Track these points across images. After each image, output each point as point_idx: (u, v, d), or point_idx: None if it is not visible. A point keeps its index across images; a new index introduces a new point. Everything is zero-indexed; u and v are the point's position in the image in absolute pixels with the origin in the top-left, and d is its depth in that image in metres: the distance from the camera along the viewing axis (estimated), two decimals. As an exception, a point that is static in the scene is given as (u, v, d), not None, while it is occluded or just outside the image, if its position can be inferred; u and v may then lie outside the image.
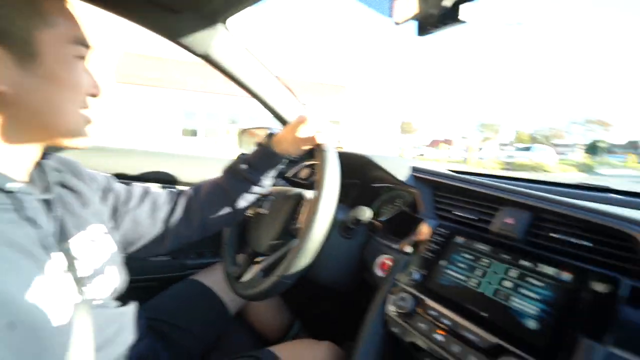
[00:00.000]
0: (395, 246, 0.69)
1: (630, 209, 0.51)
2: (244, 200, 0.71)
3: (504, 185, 0.62)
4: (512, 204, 0.57)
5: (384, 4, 0.43)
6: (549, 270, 0.45)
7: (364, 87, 14.23)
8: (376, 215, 0.87)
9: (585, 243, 0.47)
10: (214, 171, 0.82)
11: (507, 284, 0.48)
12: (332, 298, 1.10)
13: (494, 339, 0.44)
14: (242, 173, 0.69)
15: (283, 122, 1.01)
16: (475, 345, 0.45)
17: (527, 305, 0.44)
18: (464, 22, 0.39)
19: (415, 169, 0.79)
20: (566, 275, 0.43)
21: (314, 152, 0.65)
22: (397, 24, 0.42)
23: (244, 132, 1.23)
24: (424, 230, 0.65)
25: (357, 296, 0.80)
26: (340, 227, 0.72)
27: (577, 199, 0.71)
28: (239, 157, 0.71)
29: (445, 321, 0.50)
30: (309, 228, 0.55)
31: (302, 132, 0.64)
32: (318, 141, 0.64)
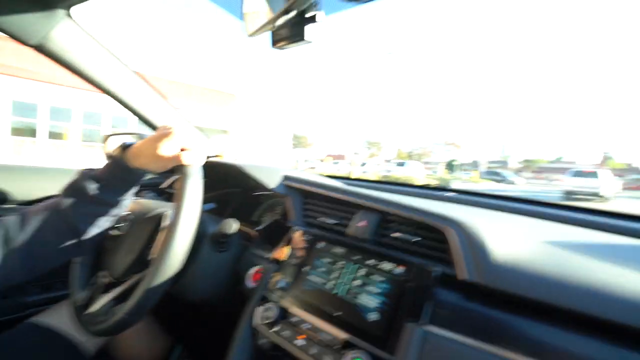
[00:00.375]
0: (267, 256, 0.69)
1: (445, 203, 0.63)
2: (95, 227, 0.56)
3: (361, 191, 0.69)
4: (365, 207, 0.64)
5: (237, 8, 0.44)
6: (389, 266, 0.52)
7: (255, 97, 14.27)
8: (256, 224, 0.86)
9: (415, 239, 0.56)
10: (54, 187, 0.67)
11: (357, 282, 0.52)
12: (211, 316, 1.03)
13: (344, 336, 0.47)
14: (87, 193, 0.54)
15: (151, 126, 0.91)
16: (329, 345, 0.48)
17: (371, 300, 0.49)
18: (310, 41, 0.43)
19: (286, 177, 0.81)
20: (400, 269, 0.51)
21: (176, 171, 0.57)
22: (249, 35, 0.43)
23: (108, 138, 1.06)
24: (293, 237, 0.67)
25: (235, 310, 0.77)
26: (212, 241, 0.68)
27: (424, 197, 0.86)
28: (82, 173, 0.56)
29: (306, 326, 0.51)
30: (159, 262, 0.50)
31: (164, 149, 0.55)
32: (182, 161, 0.56)
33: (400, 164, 23.73)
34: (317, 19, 0.41)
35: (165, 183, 1.08)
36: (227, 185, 1.07)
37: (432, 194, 0.99)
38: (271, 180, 0.80)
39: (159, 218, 0.67)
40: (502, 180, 25.20)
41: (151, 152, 0.55)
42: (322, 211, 0.72)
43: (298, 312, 0.54)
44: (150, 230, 0.65)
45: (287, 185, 0.80)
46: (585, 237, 0.61)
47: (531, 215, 0.76)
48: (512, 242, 0.49)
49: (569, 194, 13.60)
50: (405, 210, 0.58)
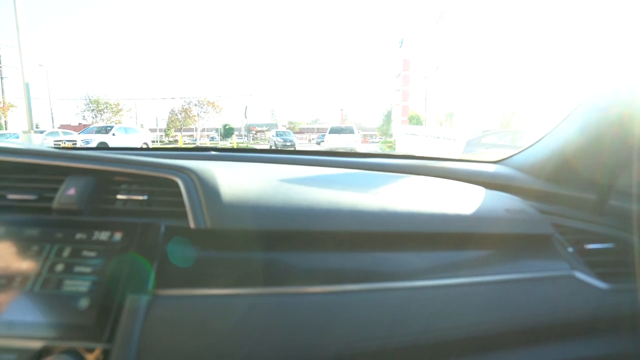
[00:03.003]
0: None
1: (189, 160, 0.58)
2: None
3: (73, 152, 0.52)
4: (76, 172, 0.49)
5: None
6: (104, 235, 0.41)
7: None
8: None
9: (141, 197, 0.47)
10: None
11: (59, 267, 0.39)
12: None
13: (37, 345, 0.35)
14: None
15: None
16: None
17: (79, 284, 0.38)
18: None
19: None
20: (117, 236, 0.41)
21: None
22: None
23: None
24: None
25: None
26: None
27: (184, 158, 0.77)
28: None
29: None
30: None
31: None
32: None
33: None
34: None
35: None
36: None
37: (193, 154, 0.95)
38: None
39: None
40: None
41: None
42: (13, 186, 0.50)
43: None
44: None
45: None
46: (307, 172, 0.70)
47: (272, 161, 0.84)
48: (244, 184, 0.50)
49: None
50: (126, 165, 0.47)
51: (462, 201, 0.57)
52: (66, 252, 0.40)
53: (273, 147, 16.25)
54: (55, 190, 0.48)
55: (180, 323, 0.37)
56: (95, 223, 0.43)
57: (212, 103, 34.06)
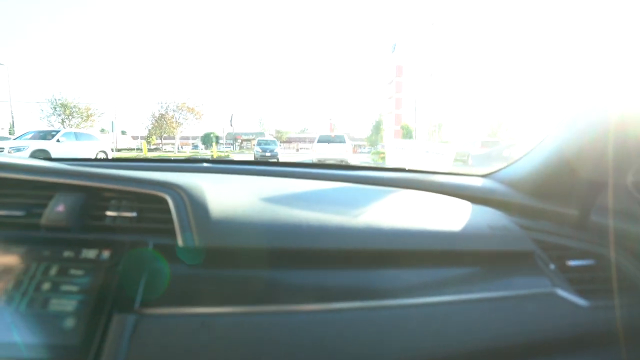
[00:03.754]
0: None
1: (164, 173, 0.58)
2: None
3: (63, 167, 0.52)
4: (66, 188, 0.49)
5: None
6: (92, 253, 0.41)
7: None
8: None
9: (130, 214, 0.47)
10: None
11: (46, 286, 0.39)
12: None
13: None
14: None
15: None
16: None
17: (67, 303, 0.38)
18: None
19: None
20: (105, 254, 0.41)
21: None
22: None
23: None
24: None
25: None
26: None
27: (168, 170, 0.77)
28: None
29: None
30: None
31: None
32: None
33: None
34: None
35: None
36: None
37: (185, 166, 0.95)
38: None
39: None
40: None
41: None
42: (1, 202, 0.50)
43: None
44: None
45: None
46: (297, 187, 0.71)
47: (263, 174, 0.85)
48: (233, 201, 0.50)
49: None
50: (116, 182, 0.47)
51: (447, 217, 0.59)
52: (53, 271, 0.40)
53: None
54: (44, 206, 0.48)
55: (167, 342, 0.37)
56: (83, 240, 0.43)
57: (192, 109, 32.08)
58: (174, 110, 32.17)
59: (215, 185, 0.55)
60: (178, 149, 31.36)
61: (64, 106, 27.68)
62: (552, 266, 0.58)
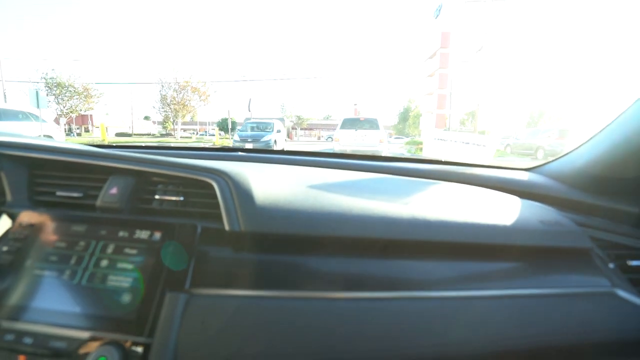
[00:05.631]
0: None
1: (218, 161, 0.59)
2: None
3: (108, 151, 0.55)
4: (119, 171, 0.52)
5: None
6: (144, 234, 0.43)
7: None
8: None
9: (177, 198, 0.49)
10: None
11: (104, 262, 0.42)
12: None
13: (85, 335, 0.37)
14: None
15: None
16: (65, 353, 0.36)
17: (122, 280, 0.40)
18: None
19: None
20: (157, 235, 0.43)
21: None
22: None
23: None
24: (14, 224, 0.47)
25: None
26: None
27: (206, 158, 0.79)
28: None
29: (27, 340, 0.37)
30: None
31: None
32: None
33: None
34: None
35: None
36: None
37: (221, 154, 0.98)
38: None
39: None
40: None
41: None
42: (62, 183, 0.53)
43: (13, 326, 0.38)
44: None
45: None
46: (334, 177, 0.70)
47: (298, 163, 0.85)
48: (275, 188, 0.51)
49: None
50: (165, 167, 0.49)
51: (494, 210, 0.56)
52: (110, 249, 0.43)
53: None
54: (99, 188, 0.51)
55: (214, 321, 0.39)
56: (135, 222, 0.45)
57: (196, 88, 25.79)
58: (175, 90, 26.03)
59: (258, 172, 0.55)
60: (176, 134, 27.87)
61: (60, 85, 24.01)
62: (611, 265, 0.53)
